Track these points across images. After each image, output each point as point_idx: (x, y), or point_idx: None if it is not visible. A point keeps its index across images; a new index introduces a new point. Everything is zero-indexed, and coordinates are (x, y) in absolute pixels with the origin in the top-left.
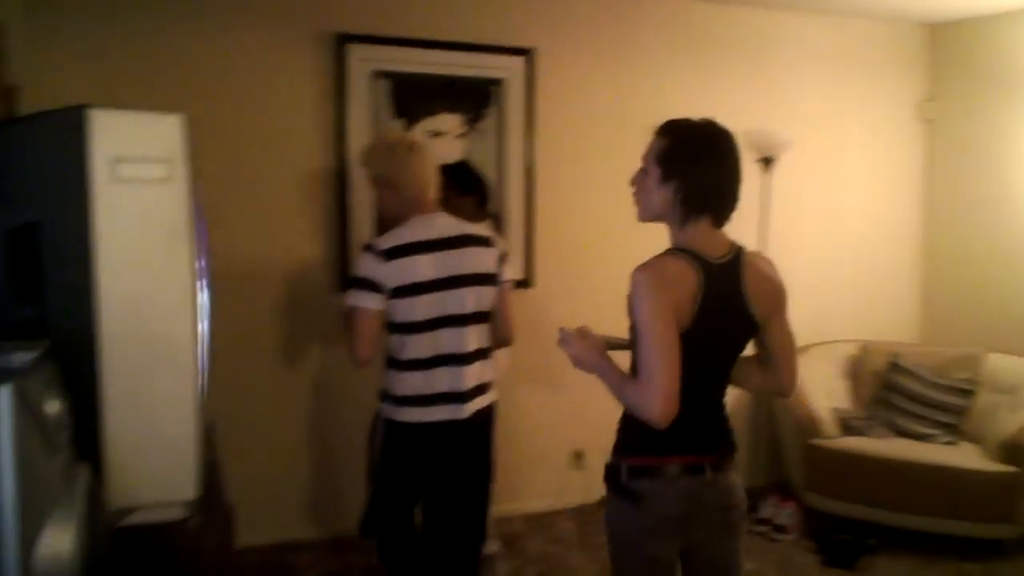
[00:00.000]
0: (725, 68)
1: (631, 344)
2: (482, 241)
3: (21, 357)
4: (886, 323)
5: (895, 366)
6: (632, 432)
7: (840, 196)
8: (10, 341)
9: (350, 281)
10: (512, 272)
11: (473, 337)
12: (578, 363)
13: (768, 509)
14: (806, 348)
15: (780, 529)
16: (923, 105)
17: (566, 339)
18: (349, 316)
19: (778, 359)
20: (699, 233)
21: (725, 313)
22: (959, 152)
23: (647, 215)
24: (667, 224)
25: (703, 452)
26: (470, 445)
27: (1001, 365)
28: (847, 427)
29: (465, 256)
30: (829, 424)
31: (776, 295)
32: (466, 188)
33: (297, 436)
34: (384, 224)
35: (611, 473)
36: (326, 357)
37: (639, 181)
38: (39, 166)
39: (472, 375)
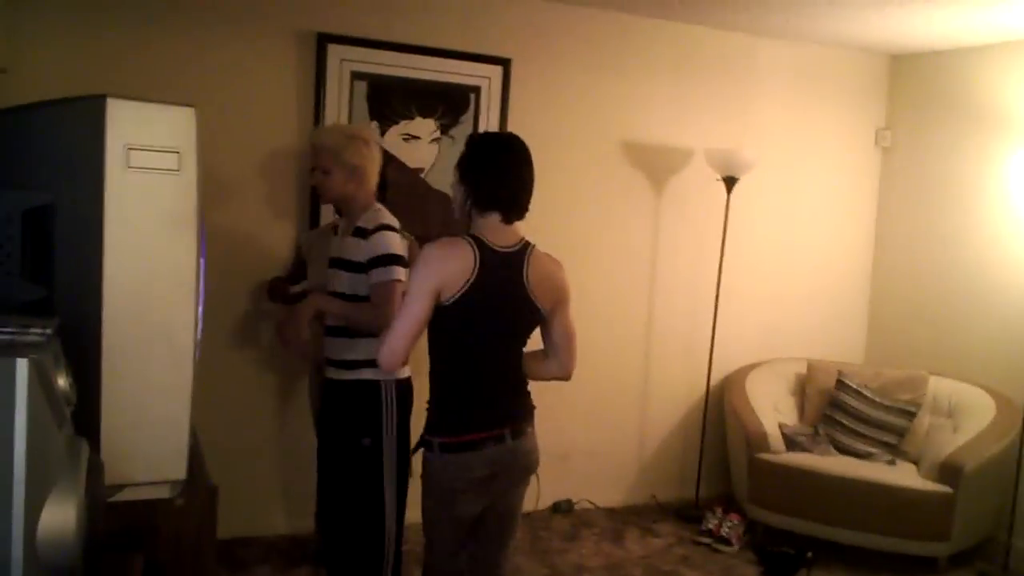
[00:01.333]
0: (694, 87)
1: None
2: None
3: (36, 333)
4: (833, 343)
5: (841, 384)
6: (444, 413)
7: (795, 217)
8: (21, 318)
9: (386, 259)
10: None
11: None
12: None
13: (712, 520)
14: (756, 365)
15: (723, 541)
16: (880, 133)
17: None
18: (389, 290)
19: (561, 347)
20: (488, 226)
21: (503, 295)
22: (912, 180)
23: (456, 213)
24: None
25: (502, 424)
26: None
27: (942, 388)
28: (792, 443)
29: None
30: (775, 439)
31: (559, 291)
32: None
33: (263, 431)
34: (327, 204)
35: (427, 447)
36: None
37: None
38: (55, 151)
39: None
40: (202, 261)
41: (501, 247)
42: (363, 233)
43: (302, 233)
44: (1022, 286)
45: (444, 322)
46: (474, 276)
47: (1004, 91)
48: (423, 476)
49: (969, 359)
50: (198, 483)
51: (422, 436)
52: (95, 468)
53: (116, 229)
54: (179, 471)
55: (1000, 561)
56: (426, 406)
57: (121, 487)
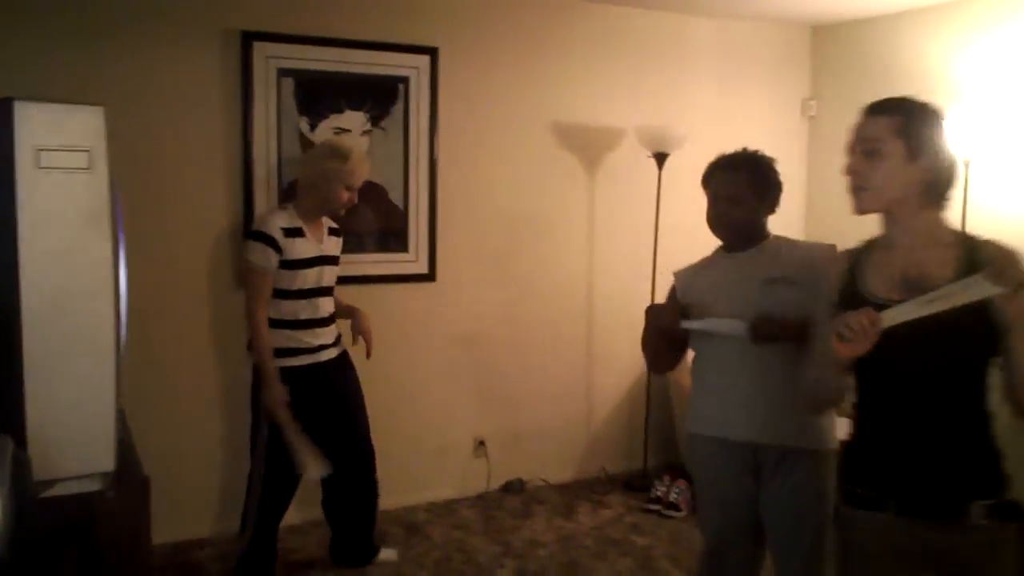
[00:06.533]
0: (622, 67)
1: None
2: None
3: None
4: None
5: None
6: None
7: None
8: None
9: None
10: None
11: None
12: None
13: (660, 488)
14: None
15: (672, 506)
16: (806, 103)
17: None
18: None
19: None
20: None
21: None
22: (839, 148)
23: (878, 203)
24: (898, 210)
25: None
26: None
27: None
28: None
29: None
30: None
31: None
32: None
33: (202, 428)
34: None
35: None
36: (232, 351)
37: (864, 167)
38: None
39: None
40: (122, 257)
41: None
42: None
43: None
44: None
45: None
46: None
47: (921, 56)
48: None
49: None
50: (130, 475)
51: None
52: (20, 463)
53: (30, 228)
54: (107, 463)
55: None
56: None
57: (52, 482)
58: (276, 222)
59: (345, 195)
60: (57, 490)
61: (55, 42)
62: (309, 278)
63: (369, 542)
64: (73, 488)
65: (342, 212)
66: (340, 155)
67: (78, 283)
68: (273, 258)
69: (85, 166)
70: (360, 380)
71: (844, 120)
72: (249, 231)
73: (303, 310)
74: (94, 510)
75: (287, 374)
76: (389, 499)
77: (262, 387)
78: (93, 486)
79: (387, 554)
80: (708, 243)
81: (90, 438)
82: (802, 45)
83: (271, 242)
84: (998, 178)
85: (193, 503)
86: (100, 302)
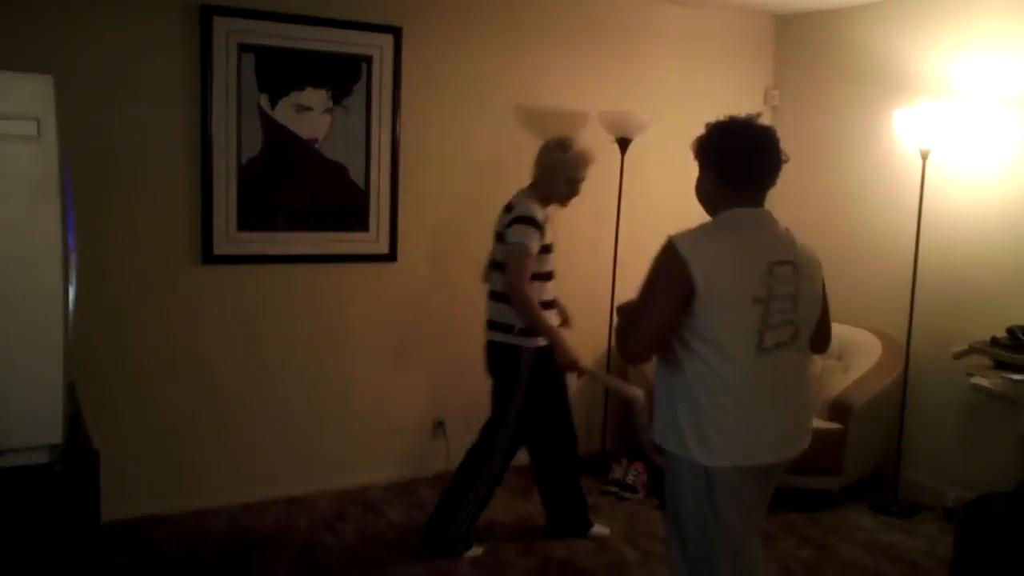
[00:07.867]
0: (588, 51)
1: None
2: None
3: None
4: None
5: None
6: None
7: (689, 177)
8: None
9: None
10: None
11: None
12: None
13: (618, 470)
14: None
15: (629, 488)
16: (769, 92)
17: None
18: None
19: None
20: None
21: None
22: (800, 136)
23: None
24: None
25: None
26: None
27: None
28: None
29: None
30: None
31: None
32: None
33: (157, 403)
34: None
35: None
36: (189, 327)
37: None
38: None
39: None
40: (71, 228)
41: None
42: None
43: None
44: (903, 233)
45: None
46: None
47: (883, 48)
48: None
49: (857, 304)
50: (79, 449)
51: None
52: None
53: None
54: (55, 436)
55: (890, 491)
56: None
57: None
58: (539, 209)
59: (567, 186)
60: (2, 462)
61: (3, 8)
62: (551, 262)
63: (584, 516)
64: (19, 460)
65: (566, 204)
66: (563, 147)
67: (25, 253)
68: (540, 243)
69: (33, 135)
70: (324, 361)
71: (806, 109)
72: (519, 217)
73: (548, 292)
74: (41, 483)
75: (544, 352)
76: (347, 477)
77: (556, 351)
78: (40, 459)
79: (599, 529)
80: (672, 228)
81: (37, 410)
82: (766, 34)
83: (541, 228)
84: (954, 171)
85: (148, 479)
86: (48, 273)
